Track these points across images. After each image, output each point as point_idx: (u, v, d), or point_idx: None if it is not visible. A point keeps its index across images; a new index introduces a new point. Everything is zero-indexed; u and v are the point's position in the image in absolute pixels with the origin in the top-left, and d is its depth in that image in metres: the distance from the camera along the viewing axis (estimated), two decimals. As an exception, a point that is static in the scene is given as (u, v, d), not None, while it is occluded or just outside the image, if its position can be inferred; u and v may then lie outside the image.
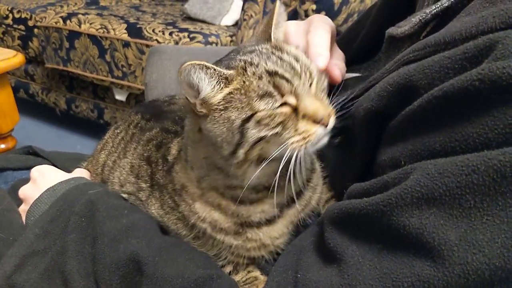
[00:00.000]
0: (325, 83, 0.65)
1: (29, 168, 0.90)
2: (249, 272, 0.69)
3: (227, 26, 2.55)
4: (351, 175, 0.64)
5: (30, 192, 0.81)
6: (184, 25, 2.45)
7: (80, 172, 0.89)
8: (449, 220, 0.44)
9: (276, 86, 0.58)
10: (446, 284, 0.43)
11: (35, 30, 2.79)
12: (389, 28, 0.74)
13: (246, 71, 0.59)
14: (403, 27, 0.68)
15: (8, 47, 2.89)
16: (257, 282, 0.67)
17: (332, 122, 0.60)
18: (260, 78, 0.58)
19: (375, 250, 0.49)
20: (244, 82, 0.59)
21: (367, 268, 0.48)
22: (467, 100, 0.45)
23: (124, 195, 0.77)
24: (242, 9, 2.23)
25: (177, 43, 2.31)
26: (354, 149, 0.65)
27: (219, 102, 0.59)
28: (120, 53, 2.43)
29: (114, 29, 2.46)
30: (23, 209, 0.81)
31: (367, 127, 0.60)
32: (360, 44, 0.90)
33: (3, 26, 2.91)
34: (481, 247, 0.42)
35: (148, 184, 0.74)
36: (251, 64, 0.60)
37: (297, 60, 0.61)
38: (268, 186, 0.62)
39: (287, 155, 0.58)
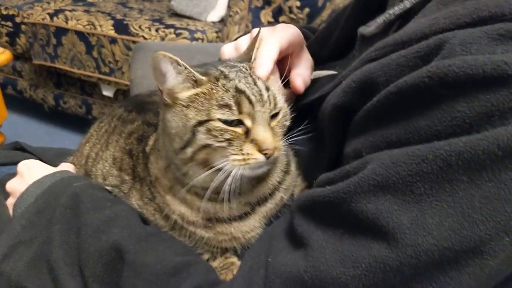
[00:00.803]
0: (288, 122, 0.69)
1: (16, 163, 0.92)
2: (226, 258, 0.72)
3: (213, 22, 2.57)
4: (321, 167, 0.67)
5: (16, 186, 0.83)
6: (170, 22, 2.47)
7: (65, 166, 0.91)
8: (402, 205, 0.47)
9: (237, 103, 0.62)
10: (400, 264, 0.46)
11: (23, 26, 2.79)
12: (361, 27, 0.77)
13: (218, 81, 0.63)
14: (371, 27, 0.72)
15: (-5, 43, 2.90)
16: (233, 267, 0.69)
17: (275, 156, 0.64)
18: (227, 91, 0.62)
19: (337, 234, 0.52)
20: (212, 89, 0.63)
21: (330, 251, 0.51)
22: (419, 95, 0.48)
23: (108, 188, 0.79)
24: (228, 5, 2.25)
25: (163, 39, 2.33)
26: (323, 143, 0.68)
27: (184, 99, 0.63)
28: (107, 49, 2.45)
29: (101, 26, 2.47)
30: (10, 202, 0.83)
31: (334, 121, 0.63)
32: (335, 42, 0.93)
33: (-10, 23, 2.91)
34: (430, 230, 0.45)
35: (130, 177, 0.77)
36: (225, 77, 0.64)
37: (267, 89, 0.65)
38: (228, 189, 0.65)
39: (226, 169, 0.62)
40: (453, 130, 0.46)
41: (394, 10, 0.66)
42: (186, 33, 2.32)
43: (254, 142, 0.62)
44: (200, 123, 0.62)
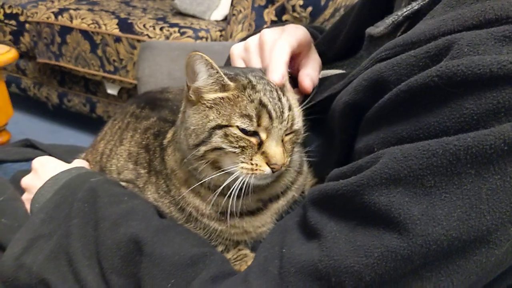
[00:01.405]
0: (299, 141, 0.72)
1: (27, 160, 0.94)
2: (239, 250, 0.74)
3: (216, 21, 2.58)
4: (331, 163, 0.69)
5: (32, 182, 0.85)
6: (174, 20, 2.49)
7: (79, 163, 0.92)
8: (413, 197, 0.49)
9: (258, 115, 0.64)
10: (410, 253, 0.49)
11: (27, 25, 2.80)
12: (369, 27, 0.79)
13: (245, 90, 0.66)
14: (379, 27, 0.74)
15: (-1, 42, 2.91)
16: (246, 259, 0.72)
17: (281, 170, 0.67)
18: (251, 102, 0.65)
19: (350, 225, 0.54)
20: (237, 96, 0.65)
21: (343, 241, 0.53)
22: (428, 93, 0.51)
23: (123, 183, 0.81)
24: (231, 4, 2.26)
25: (167, 38, 2.35)
26: (333, 139, 0.70)
27: (208, 100, 0.66)
28: (111, 48, 2.47)
29: (105, 24, 2.49)
30: (26, 198, 0.85)
31: (346, 118, 0.65)
32: (342, 42, 0.94)
33: (-6, 21, 2.93)
34: (440, 220, 0.48)
35: (146, 170, 0.79)
36: (252, 87, 0.66)
37: (289, 109, 0.67)
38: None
39: (234, 174, 0.65)
40: (461, 126, 0.48)
41: (402, 12, 0.68)
42: (190, 32, 2.34)
43: (264, 154, 0.65)
44: (219, 126, 0.64)
